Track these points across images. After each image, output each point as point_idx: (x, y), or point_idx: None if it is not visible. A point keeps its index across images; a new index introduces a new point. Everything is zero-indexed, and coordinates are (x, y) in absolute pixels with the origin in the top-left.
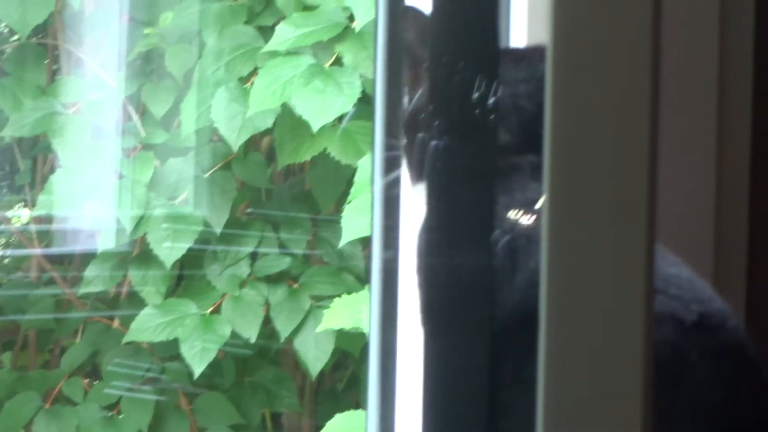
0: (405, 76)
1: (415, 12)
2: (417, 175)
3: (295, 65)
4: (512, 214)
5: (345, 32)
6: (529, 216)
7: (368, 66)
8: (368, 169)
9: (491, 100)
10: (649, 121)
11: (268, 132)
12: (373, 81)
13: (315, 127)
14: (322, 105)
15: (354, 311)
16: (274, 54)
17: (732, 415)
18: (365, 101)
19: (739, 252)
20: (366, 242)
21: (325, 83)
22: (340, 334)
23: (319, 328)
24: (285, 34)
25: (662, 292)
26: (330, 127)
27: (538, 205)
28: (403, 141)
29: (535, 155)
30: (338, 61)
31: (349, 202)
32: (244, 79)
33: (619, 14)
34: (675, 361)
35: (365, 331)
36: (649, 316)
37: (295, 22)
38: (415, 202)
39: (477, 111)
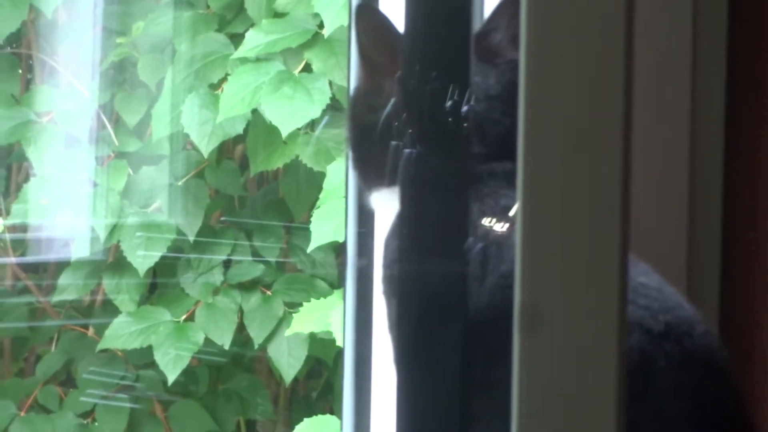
0: (361, 76)
1: (367, 8)
2: (389, 181)
3: (264, 71)
4: (486, 222)
5: (314, 39)
6: (503, 223)
7: (337, 72)
8: (337, 175)
9: (464, 109)
10: (622, 130)
11: (240, 139)
12: (347, 86)
13: (284, 133)
14: (291, 111)
15: (323, 316)
16: (244, 60)
17: (700, 421)
18: (336, 108)
19: (712, 256)
20: (338, 249)
21: (294, 89)
22: (314, 341)
23: (288, 332)
24: (254, 41)
25: (631, 302)
26: (303, 135)
27: (512, 213)
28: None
29: (511, 162)
30: (308, 68)
31: (318, 208)
32: (215, 86)
33: (592, 32)
34: (643, 370)
35: (334, 335)
36: (623, 323)
37: (265, 28)
38: (384, 208)
39: (450, 119)
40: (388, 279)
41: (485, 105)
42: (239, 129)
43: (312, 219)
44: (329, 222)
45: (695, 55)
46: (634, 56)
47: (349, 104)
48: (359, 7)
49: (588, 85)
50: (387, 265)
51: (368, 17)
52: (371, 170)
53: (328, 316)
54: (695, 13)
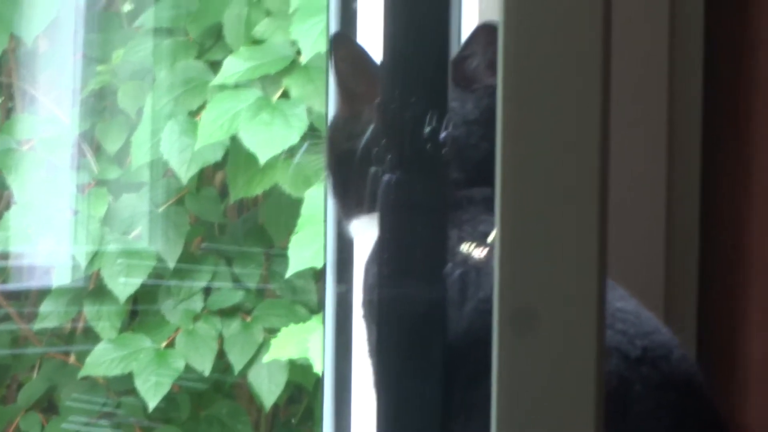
0: (339, 104)
1: (342, 38)
2: (368, 208)
3: (242, 98)
4: (465, 247)
5: (292, 66)
6: (482, 249)
7: (315, 99)
8: (316, 201)
9: (443, 134)
10: (599, 155)
11: (220, 166)
12: (326, 112)
13: (262, 160)
14: (269, 138)
15: (301, 341)
16: (222, 87)
17: None
18: (315, 135)
19: (689, 281)
20: (318, 275)
21: (272, 116)
22: (293, 367)
23: (266, 358)
24: (233, 68)
25: (609, 327)
26: (282, 161)
27: (490, 239)
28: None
29: (490, 188)
30: (286, 94)
31: (296, 233)
32: (195, 113)
33: (568, 58)
34: (621, 394)
35: (312, 361)
36: (601, 348)
37: (243, 55)
38: (363, 235)
39: (429, 145)
40: (368, 304)
41: (464, 131)
42: (218, 156)
43: (290, 245)
44: (307, 248)
45: (671, 86)
46: (610, 83)
47: (328, 132)
48: (335, 37)
49: (565, 111)
50: (367, 290)
51: (344, 46)
52: (350, 197)
53: (306, 341)
54: (671, 47)
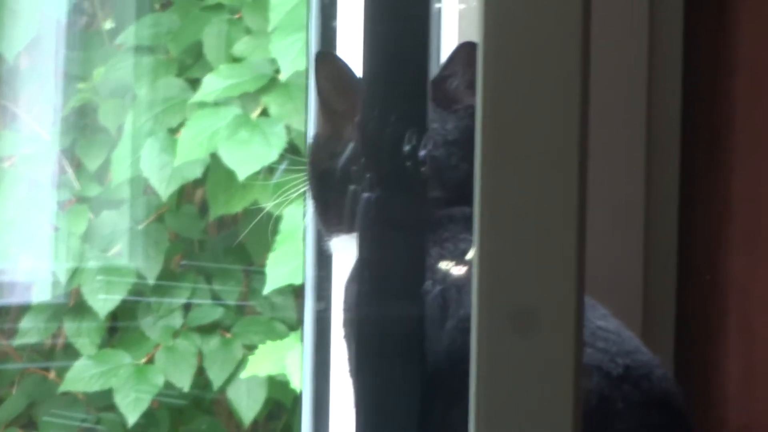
0: (321, 123)
1: (326, 56)
2: (348, 226)
3: (221, 116)
4: (444, 265)
5: (271, 83)
6: (460, 266)
7: (295, 117)
8: (294, 218)
9: (422, 153)
10: (578, 174)
11: (200, 183)
12: (306, 130)
13: (241, 177)
14: (247, 155)
15: (279, 358)
16: (202, 105)
17: None
18: (295, 152)
19: (667, 300)
20: (297, 292)
21: (251, 134)
22: (273, 383)
23: (244, 374)
24: (212, 85)
25: (590, 345)
26: (263, 179)
27: (468, 256)
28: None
29: (470, 207)
30: (265, 112)
31: (274, 251)
32: (174, 130)
33: (548, 80)
34: (602, 412)
35: (289, 377)
36: (578, 367)
37: (223, 73)
38: (343, 252)
39: (408, 163)
40: (348, 323)
41: (444, 151)
42: (197, 173)
43: (267, 261)
44: (285, 265)
45: (650, 98)
46: (589, 99)
47: (309, 151)
48: (319, 54)
49: (544, 133)
50: (347, 309)
51: (328, 64)
52: (331, 215)
53: (284, 358)
54: (650, 55)
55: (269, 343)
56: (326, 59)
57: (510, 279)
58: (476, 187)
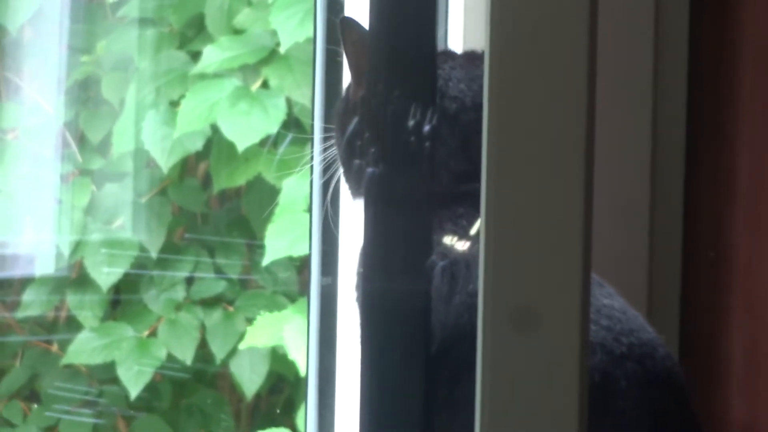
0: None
1: (349, 22)
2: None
3: (222, 88)
4: (448, 240)
5: (271, 55)
6: (464, 241)
7: (295, 89)
8: (294, 190)
9: (426, 128)
10: (584, 152)
11: (203, 157)
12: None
13: (240, 148)
14: (247, 127)
15: (277, 330)
16: (202, 77)
17: None
18: (297, 125)
19: (672, 277)
20: (300, 265)
21: (250, 105)
22: (275, 357)
23: (242, 345)
24: (212, 57)
25: (594, 323)
26: (266, 153)
27: (473, 231)
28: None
29: (474, 183)
30: (265, 84)
31: (273, 222)
32: (176, 103)
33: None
34: (604, 390)
35: (287, 349)
36: (584, 365)
37: (223, 45)
38: (355, 220)
39: (412, 138)
40: (357, 289)
41: (473, 115)
42: (198, 145)
43: (266, 233)
44: (284, 236)
45: (655, 89)
46: (596, 82)
47: (337, 114)
48: (342, 21)
49: (552, 111)
50: (358, 276)
51: (352, 29)
52: (353, 179)
53: (281, 330)
54: (656, 54)
55: (266, 314)
56: (350, 25)
57: (514, 275)
58: (482, 185)
